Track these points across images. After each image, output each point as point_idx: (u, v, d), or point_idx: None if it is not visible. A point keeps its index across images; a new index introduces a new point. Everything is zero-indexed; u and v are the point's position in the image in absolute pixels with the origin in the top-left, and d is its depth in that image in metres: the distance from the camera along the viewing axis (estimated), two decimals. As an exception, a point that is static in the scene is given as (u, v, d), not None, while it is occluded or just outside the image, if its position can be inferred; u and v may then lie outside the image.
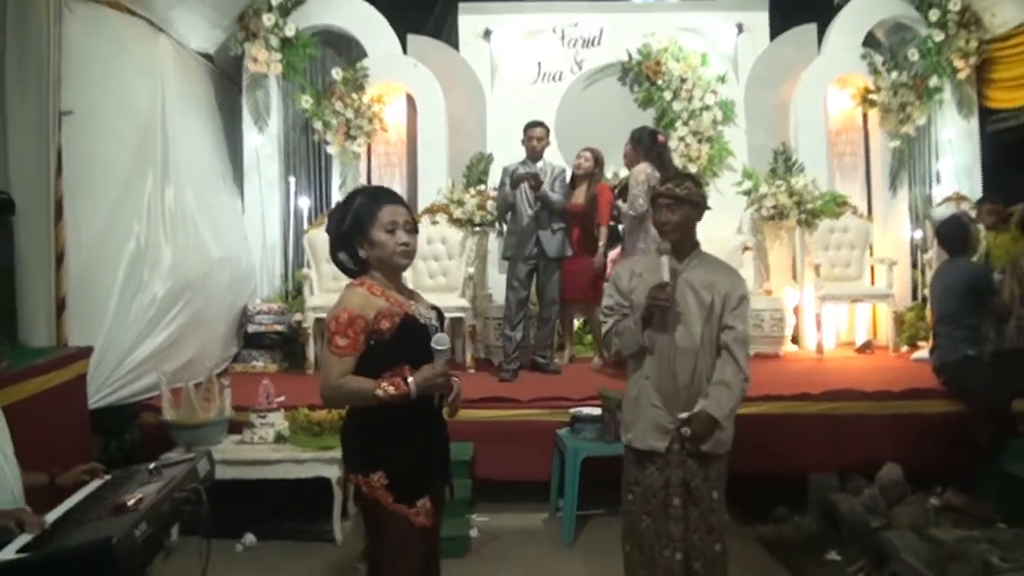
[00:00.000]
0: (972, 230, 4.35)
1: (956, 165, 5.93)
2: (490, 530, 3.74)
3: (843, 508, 3.56)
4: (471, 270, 5.29)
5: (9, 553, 1.81)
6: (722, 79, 6.14)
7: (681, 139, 6.05)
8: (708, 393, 2.37)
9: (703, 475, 2.39)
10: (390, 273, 2.06)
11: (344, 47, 6.04)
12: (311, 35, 5.82)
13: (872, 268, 5.88)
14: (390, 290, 2.03)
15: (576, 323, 5.53)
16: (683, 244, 2.44)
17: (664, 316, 2.37)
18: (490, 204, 5.49)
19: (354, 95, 5.73)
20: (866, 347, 5.65)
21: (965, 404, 3.85)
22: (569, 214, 4.86)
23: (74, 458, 2.66)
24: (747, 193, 6.03)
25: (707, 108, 6.08)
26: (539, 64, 6.21)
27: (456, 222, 5.44)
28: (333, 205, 4.77)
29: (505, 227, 5.08)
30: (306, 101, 5.74)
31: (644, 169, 4.42)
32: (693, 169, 5.95)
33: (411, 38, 6.07)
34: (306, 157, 5.98)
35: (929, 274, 5.14)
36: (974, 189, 5.80)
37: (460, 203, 5.57)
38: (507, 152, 5.34)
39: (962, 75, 5.85)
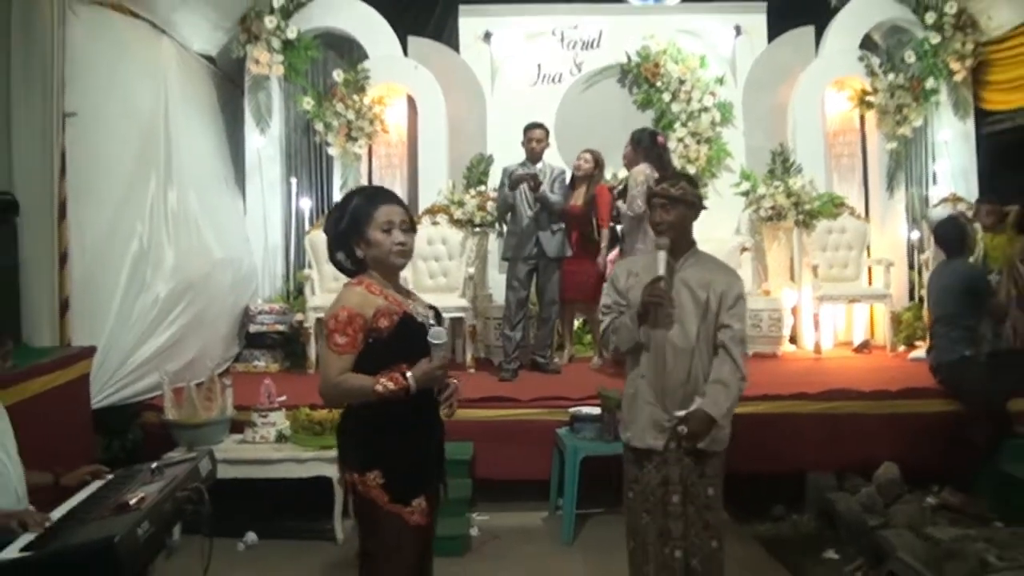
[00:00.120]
0: (970, 231, 4.37)
1: (952, 167, 5.94)
2: (490, 529, 3.76)
3: (841, 507, 3.58)
4: (471, 270, 5.31)
5: (12, 552, 1.83)
6: (720, 81, 6.16)
7: (680, 140, 6.07)
8: (705, 392, 2.38)
9: (699, 472, 2.41)
10: (387, 272, 2.07)
11: (345, 49, 6.06)
12: (313, 37, 5.84)
13: (869, 269, 5.90)
14: (388, 289, 2.04)
15: (576, 323, 5.55)
16: (679, 243, 2.45)
17: (660, 312, 2.39)
18: (490, 205, 5.51)
19: (355, 97, 5.75)
20: (863, 347, 5.67)
21: (962, 404, 3.87)
22: (568, 215, 4.88)
23: (77, 458, 2.69)
24: (745, 194, 6.06)
25: (705, 110, 6.11)
26: (539, 66, 6.23)
27: (456, 223, 5.46)
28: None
29: (505, 228, 5.10)
30: (307, 103, 5.77)
31: (643, 170, 4.44)
32: (692, 170, 5.97)
33: (412, 40, 6.09)
34: (307, 158, 6.00)
35: (926, 275, 5.17)
36: (970, 190, 5.82)
37: (460, 204, 5.60)
38: (507, 153, 5.36)
39: (958, 77, 5.87)
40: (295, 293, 5.61)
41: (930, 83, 5.85)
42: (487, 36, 6.21)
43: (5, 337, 3.08)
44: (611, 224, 4.93)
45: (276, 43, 5.64)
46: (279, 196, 5.85)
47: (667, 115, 6.13)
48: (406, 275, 5.20)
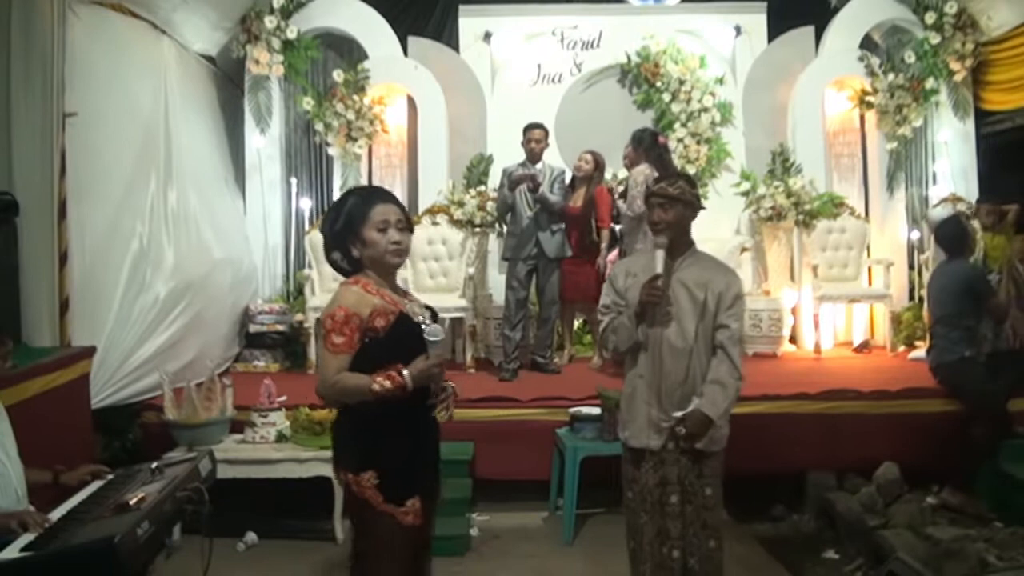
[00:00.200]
0: (971, 231, 4.37)
1: (952, 167, 5.95)
2: (490, 529, 3.76)
3: (840, 507, 3.58)
4: (471, 270, 5.31)
5: (12, 552, 1.83)
6: (720, 81, 6.17)
7: (680, 140, 6.07)
8: (702, 392, 2.39)
9: (697, 472, 2.41)
10: (383, 272, 2.06)
11: (345, 49, 6.06)
12: (312, 37, 5.84)
13: (869, 269, 5.90)
14: (384, 288, 2.04)
15: (576, 323, 5.55)
16: (677, 243, 2.45)
17: (658, 311, 2.39)
18: (490, 205, 5.51)
19: (355, 97, 5.75)
20: (863, 347, 5.67)
21: (962, 404, 3.87)
22: (567, 217, 4.88)
23: (77, 457, 2.69)
24: (745, 194, 6.06)
25: (705, 110, 6.11)
26: (539, 66, 6.23)
27: (456, 223, 5.46)
28: (332, 206, 4.79)
29: (505, 228, 5.10)
30: (307, 103, 5.77)
31: (643, 170, 4.44)
32: (692, 170, 5.98)
33: (412, 40, 6.09)
34: (307, 158, 6.00)
35: (926, 275, 5.17)
36: (970, 190, 5.82)
37: (460, 204, 5.60)
38: (507, 153, 5.36)
39: (958, 77, 5.87)
40: (295, 293, 5.61)
41: (930, 83, 5.86)
42: (487, 36, 6.21)
43: (5, 337, 3.08)
44: (611, 225, 4.93)
45: (276, 43, 5.64)
46: (279, 196, 5.85)
47: (667, 115, 6.13)
48: (407, 276, 5.24)
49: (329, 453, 3.42)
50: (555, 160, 5.35)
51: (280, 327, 5.26)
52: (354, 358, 1.96)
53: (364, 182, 5.81)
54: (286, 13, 5.69)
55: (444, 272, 5.41)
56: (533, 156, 4.80)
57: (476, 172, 6.03)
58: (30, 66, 3.53)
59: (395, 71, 5.95)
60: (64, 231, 3.60)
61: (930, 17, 5.82)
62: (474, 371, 5.02)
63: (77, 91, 3.67)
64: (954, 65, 5.83)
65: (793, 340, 5.75)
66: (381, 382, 1.92)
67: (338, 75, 5.81)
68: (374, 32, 5.93)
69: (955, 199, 5.67)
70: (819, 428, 3.96)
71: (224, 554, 2.91)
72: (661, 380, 2.42)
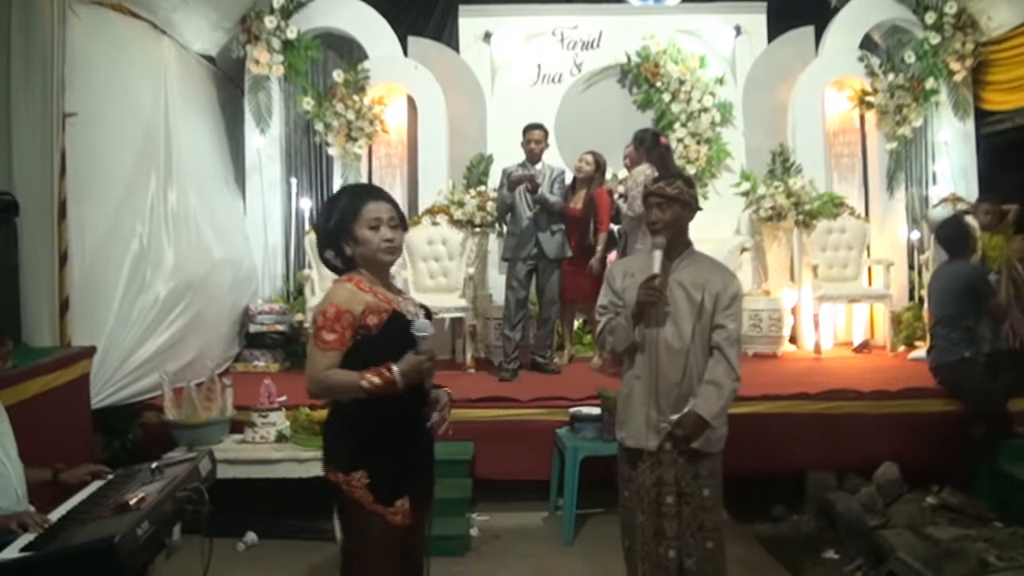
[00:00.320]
0: (972, 232, 4.37)
1: (952, 167, 5.95)
2: (490, 529, 3.76)
3: (840, 507, 3.59)
4: (471, 271, 5.31)
5: (12, 552, 1.83)
6: (720, 81, 6.17)
7: (680, 140, 6.07)
8: (699, 393, 2.38)
9: (693, 473, 2.40)
10: (376, 270, 2.06)
11: (345, 49, 6.06)
12: (312, 37, 5.84)
13: (869, 269, 5.90)
14: (377, 286, 2.03)
15: (576, 323, 5.55)
16: (675, 243, 2.44)
17: (656, 311, 2.38)
18: (490, 205, 5.51)
19: (355, 97, 5.76)
20: (863, 347, 5.67)
21: (962, 404, 3.87)
22: (567, 218, 4.88)
23: (77, 457, 2.69)
24: (745, 194, 6.06)
25: (705, 110, 6.11)
26: (539, 66, 6.24)
27: (456, 223, 5.46)
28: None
29: (505, 228, 5.10)
30: (307, 103, 5.77)
31: (644, 171, 4.44)
32: (692, 170, 5.99)
33: (412, 40, 6.10)
34: (307, 158, 6.00)
35: (926, 275, 5.17)
36: (970, 190, 5.82)
37: (460, 204, 5.60)
38: (507, 154, 5.36)
39: (958, 77, 5.88)
40: (295, 293, 5.62)
41: (930, 83, 5.86)
42: (487, 36, 6.21)
43: (5, 337, 3.08)
44: (609, 227, 4.93)
45: (276, 43, 5.65)
46: (279, 196, 5.85)
47: (667, 115, 6.13)
48: (407, 276, 5.24)
49: (329, 453, 3.49)
50: (555, 160, 5.35)
51: (280, 327, 5.26)
52: (346, 355, 1.95)
53: (364, 182, 5.81)
54: (286, 13, 5.69)
55: (444, 272, 5.41)
56: (533, 156, 4.80)
57: (476, 172, 6.03)
58: (30, 66, 3.53)
59: (395, 71, 5.95)
60: (64, 231, 3.60)
61: (930, 17, 5.82)
62: (474, 371, 5.02)
63: (77, 91, 3.68)
64: (954, 65, 5.84)
65: (793, 340, 5.75)
66: (370, 379, 1.91)
67: (338, 75, 5.81)
68: (374, 32, 5.93)
69: (955, 199, 5.67)
70: (819, 428, 3.96)
71: (224, 554, 2.92)
72: (658, 381, 2.41)
